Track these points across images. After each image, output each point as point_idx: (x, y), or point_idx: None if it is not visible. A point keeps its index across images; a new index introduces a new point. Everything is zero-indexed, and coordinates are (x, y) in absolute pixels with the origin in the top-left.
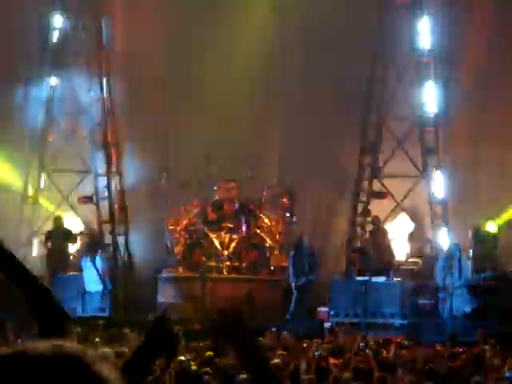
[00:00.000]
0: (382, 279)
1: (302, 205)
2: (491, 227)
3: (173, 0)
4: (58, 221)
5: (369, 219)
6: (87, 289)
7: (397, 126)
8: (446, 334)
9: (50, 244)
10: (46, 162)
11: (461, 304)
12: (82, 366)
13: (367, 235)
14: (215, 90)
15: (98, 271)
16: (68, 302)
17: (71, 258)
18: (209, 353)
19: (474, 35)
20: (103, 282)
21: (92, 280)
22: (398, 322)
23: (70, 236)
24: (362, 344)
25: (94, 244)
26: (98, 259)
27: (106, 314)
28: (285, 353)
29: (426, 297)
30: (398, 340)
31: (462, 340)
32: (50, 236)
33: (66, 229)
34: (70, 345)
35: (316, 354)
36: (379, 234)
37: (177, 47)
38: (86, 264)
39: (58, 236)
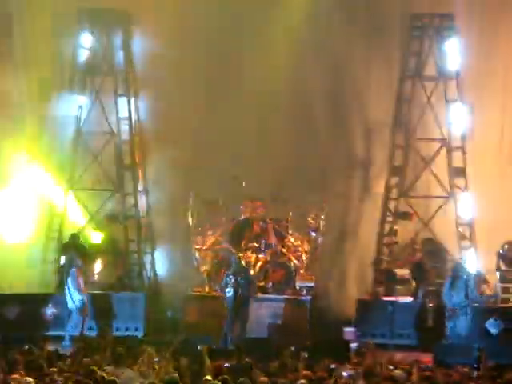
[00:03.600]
0: (408, 300)
1: (328, 224)
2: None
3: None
4: (73, 238)
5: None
6: (68, 306)
7: (424, 146)
8: (472, 356)
9: (62, 260)
10: (73, 180)
11: (464, 324)
12: None
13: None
14: (243, 109)
15: (69, 288)
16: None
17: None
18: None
19: (501, 56)
20: (71, 298)
21: (67, 297)
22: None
23: (84, 253)
24: (391, 366)
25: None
26: (70, 276)
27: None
28: (309, 373)
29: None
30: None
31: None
32: (63, 252)
33: (81, 245)
34: None
35: (345, 374)
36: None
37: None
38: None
39: (71, 253)
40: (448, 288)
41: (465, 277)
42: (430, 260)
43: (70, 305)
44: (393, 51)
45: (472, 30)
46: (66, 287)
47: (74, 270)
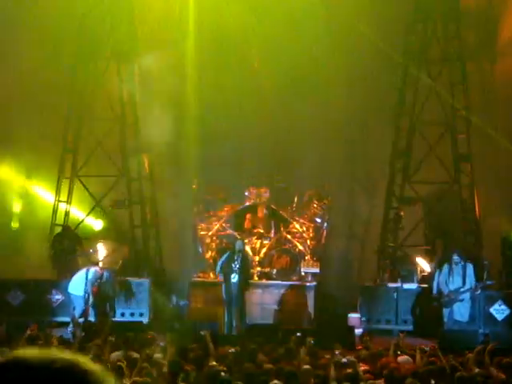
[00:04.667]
0: (413, 286)
1: (334, 211)
2: None
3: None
4: (65, 230)
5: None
6: (69, 290)
7: (429, 130)
8: (477, 342)
9: (54, 250)
10: (78, 166)
11: (463, 310)
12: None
13: None
14: (247, 96)
15: (86, 280)
16: None
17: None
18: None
19: (506, 39)
20: (85, 292)
21: (77, 283)
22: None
23: (79, 243)
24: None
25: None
26: (91, 271)
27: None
28: (314, 359)
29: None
30: (424, 347)
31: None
32: (56, 241)
33: (75, 236)
34: (62, 354)
35: (344, 360)
36: None
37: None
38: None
39: (64, 242)
40: (446, 274)
41: (462, 263)
42: None
43: (78, 292)
44: (394, 34)
45: (476, 12)
46: (84, 275)
47: (100, 270)
